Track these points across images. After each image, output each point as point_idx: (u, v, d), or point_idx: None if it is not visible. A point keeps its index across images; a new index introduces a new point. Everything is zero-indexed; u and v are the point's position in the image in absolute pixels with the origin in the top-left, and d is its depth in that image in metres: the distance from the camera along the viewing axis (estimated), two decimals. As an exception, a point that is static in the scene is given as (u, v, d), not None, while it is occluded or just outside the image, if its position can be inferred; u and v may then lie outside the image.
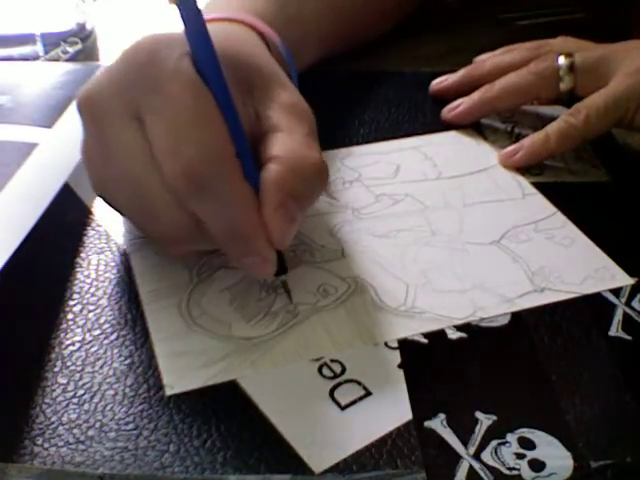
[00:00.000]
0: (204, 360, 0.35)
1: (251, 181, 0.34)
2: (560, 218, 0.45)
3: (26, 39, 0.61)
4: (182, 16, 0.34)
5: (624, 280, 0.40)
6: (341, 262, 0.41)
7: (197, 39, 0.35)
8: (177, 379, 0.34)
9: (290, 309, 0.38)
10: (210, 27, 0.35)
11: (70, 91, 0.52)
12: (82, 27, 0.63)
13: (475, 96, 0.52)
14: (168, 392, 0.34)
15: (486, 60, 0.56)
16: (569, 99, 0.50)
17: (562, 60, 0.50)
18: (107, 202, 0.38)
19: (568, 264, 0.41)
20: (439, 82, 0.56)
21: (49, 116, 0.49)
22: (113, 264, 0.40)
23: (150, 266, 0.40)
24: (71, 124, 0.48)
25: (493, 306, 0.38)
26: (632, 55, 0.49)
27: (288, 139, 0.36)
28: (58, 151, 0.46)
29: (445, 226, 0.44)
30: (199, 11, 0.34)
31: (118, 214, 0.39)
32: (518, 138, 0.51)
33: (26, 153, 0.45)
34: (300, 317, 0.37)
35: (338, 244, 0.42)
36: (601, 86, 0.49)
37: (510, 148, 0.49)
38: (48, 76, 0.55)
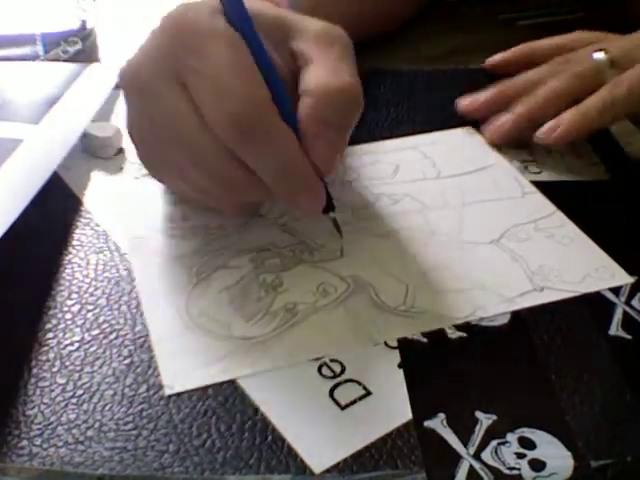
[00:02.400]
0: (203, 360, 0.35)
1: (291, 123, 0.37)
2: (560, 217, 0.45)
3: (26, 39, 0.61)
4: None
5: (624, 279, 0.40)
6: (340, 261, 0.41)
7: None
8: (176, 379, 0.34)
9: (289, 308, 0.38)
10: None
11: (58, 89, 0.52)
12: (82, 27, 0.63)
13: (519, 110, 0.50)
14: (168, 392, 0.33)
15: (516, 79, 0.53)
16: None
17: (599, 56, 0.49)
18: (157, 177, 0.42)
19: (568, 263, 0.41)
20: (470, 103, 0.53)
21: (36, 113, 0.49)
22: (112, 264, 0.40)
23: (149, 266, 0.40)
24: (58, 121, 0.48)
25: (493, 305, 0.38)
26: None
27: (316, 69, 0.38)
28: (43, 147, 0.45)
29: (444, 225, 0.44)
30: None
31: (168, 190, 0.43)
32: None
33: (11, 149, 0.44)
34: (299, 317, 0.37)
35: (337, 244, 0.42)
36: None
37: (548, 125, 0.47)
38: (36, 74, 0.55)
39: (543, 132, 0.48)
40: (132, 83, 0.38)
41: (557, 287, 0.40)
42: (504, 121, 0.50)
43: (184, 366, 0.35)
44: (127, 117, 0.40)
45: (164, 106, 0.37)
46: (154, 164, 0.41)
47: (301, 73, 0.38)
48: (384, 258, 0.41)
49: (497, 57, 0.56)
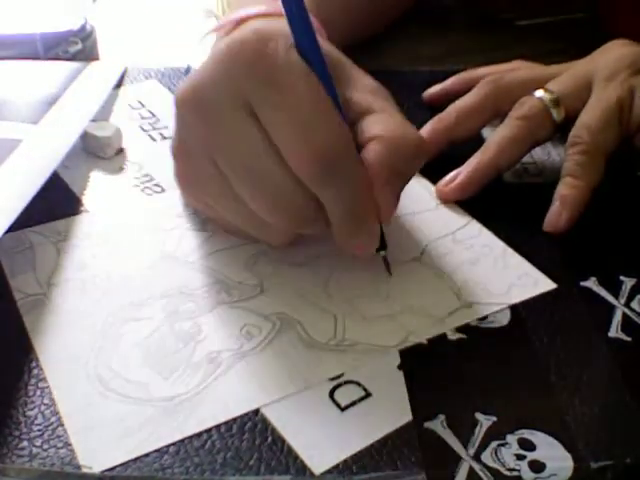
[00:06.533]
0: (122, 430, 0.32)
1: None
2: (475, 226, 0.43)
3: (26, 39, 0.61)
4: (286, 9, 0.36)
5: (547, 285, 0.39)
6: (262, 298, 0.38)
7: (301, 30, 0.36)
8: (95, 456, 0.31)
9: (212, 357, 0.35)
10: (275, 21, 0.37)
11: (57, 89, 0.52)
12: (82, 27, 0.63)
13: (473, 162, 0.46)
14: (86, 472, 0.30)
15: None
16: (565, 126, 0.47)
17: (542, 94, 0.47)
18: (195, 201, 0.41)
19: (491, 274, 0.40)
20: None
21: (35, 112, 0.49)
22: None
23: (47, 326, 0.36)
24: (57, 121, 0.48)
25: (424, 328, 0.37)
26: (599, 62, 0.47)
27: (385, 119, 0.38)
28: (43, 147, 0.45)
29: None
30: (302, 2, 0.36)
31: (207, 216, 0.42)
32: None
33: (10, 149, 0.44)
34: (224, 366, 0.34)
35: (256, 278, 0.39)
36: (588, 96, 0.46)
37: (554, 210, 0.43)
38: (36, 73, 0.55)
39: (550, 223, 0.43)
40: (192, 103, 0.37)
41: (485, 301, 0.38)
42: (455, 175, 0.46)
43: (101, 440, 0.31)
44: (176, 136, 0.39)
45: (230, 132, 0.36)
46: (197, 188, 0.40)
47: (361, 121, 0.38)
48: (307, 289, 0.39)
49: (436, 88, 0.55)
